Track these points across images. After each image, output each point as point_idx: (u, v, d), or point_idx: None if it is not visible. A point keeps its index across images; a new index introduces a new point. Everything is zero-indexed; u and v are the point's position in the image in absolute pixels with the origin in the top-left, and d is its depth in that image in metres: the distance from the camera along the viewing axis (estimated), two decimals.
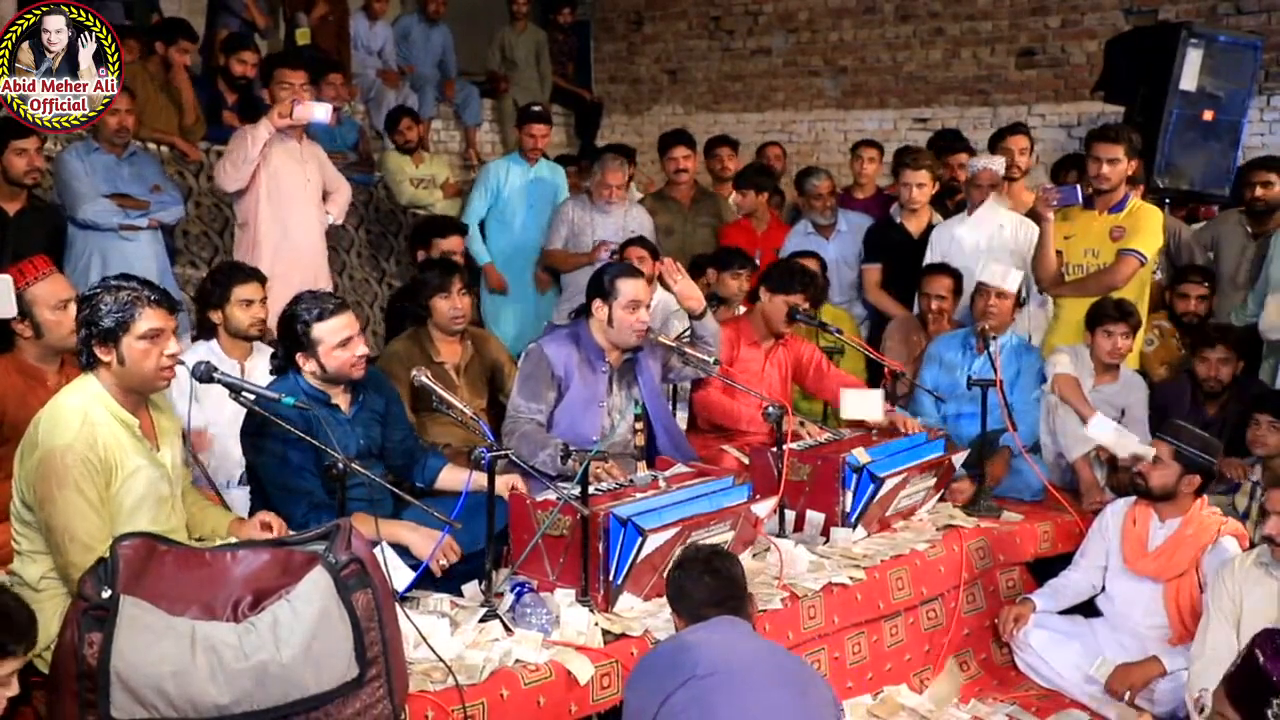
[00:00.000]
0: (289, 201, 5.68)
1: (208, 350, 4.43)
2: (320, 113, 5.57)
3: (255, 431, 3.55)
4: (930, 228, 6.20)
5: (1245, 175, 6.02)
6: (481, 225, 6.98)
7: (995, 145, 6.51)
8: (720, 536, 3.77)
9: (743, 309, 5.56)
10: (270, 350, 4.64)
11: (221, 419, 4.23)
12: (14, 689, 2.43)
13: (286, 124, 5.50)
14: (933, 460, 4.56)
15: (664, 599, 3.57)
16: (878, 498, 4.30)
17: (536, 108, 7.25)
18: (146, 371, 3.06)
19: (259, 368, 4.47)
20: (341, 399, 3.72)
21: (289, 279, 4.70)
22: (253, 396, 3.35)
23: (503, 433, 4.28)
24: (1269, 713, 2.66)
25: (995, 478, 4.94)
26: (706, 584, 2.95)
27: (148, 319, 3.04)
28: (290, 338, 3.63)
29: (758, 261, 6.09)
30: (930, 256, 5.91)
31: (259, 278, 4.52)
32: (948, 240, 5.90)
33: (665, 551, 3.56)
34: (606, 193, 6.43)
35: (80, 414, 2.99)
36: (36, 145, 5.10)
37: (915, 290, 5.85)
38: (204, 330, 4.51)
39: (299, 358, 3.63)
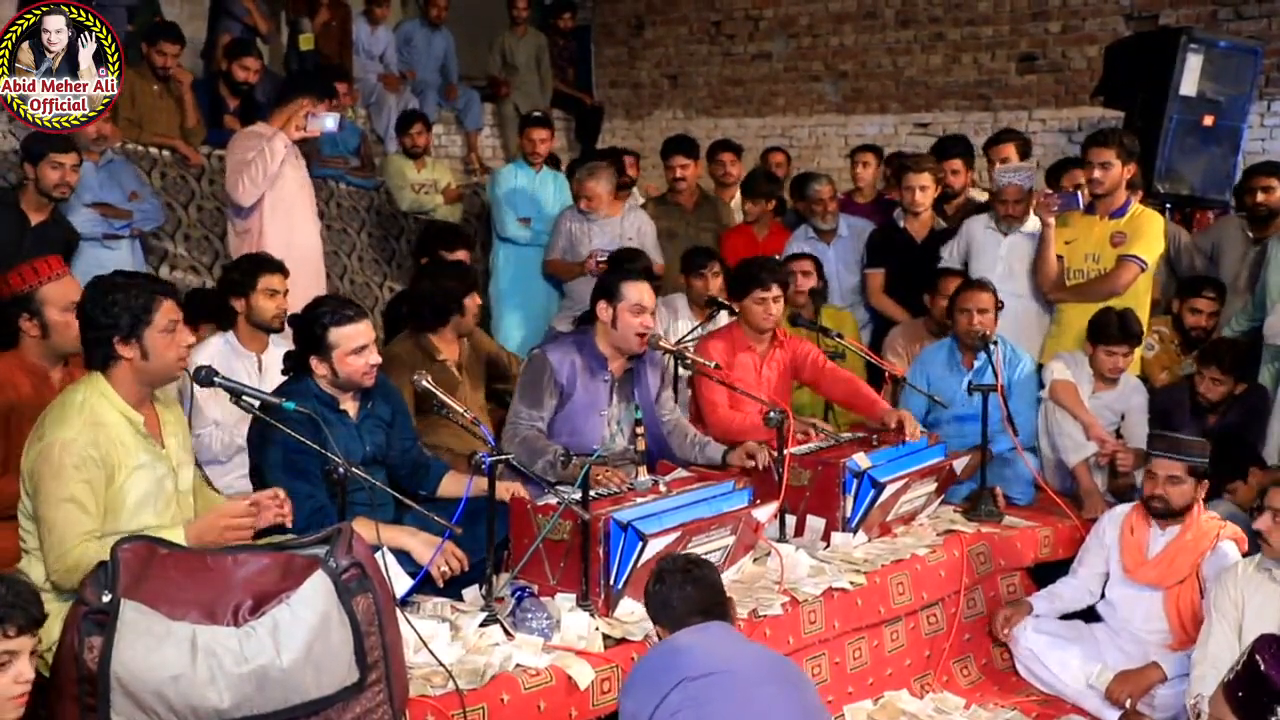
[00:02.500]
0: (291, 208, 5.72)
1: (223, 342, 4.45)
2: (330, 123, 5.71)
3: (260, 433, 3.56)
4: (933, 231, 6.21)
5: (1246, 180, 6.01)
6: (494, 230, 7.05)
7: (986, 152, 6.53)
8: (721, 542, 3.77)
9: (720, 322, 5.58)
10: (287, 344, 4.68)
11: (231, 414, 4.27)
12: (27, 673, 2.41)
13: (300, 137, 5.56)
14: (933, 466, 4.56)
15: None
16: (878, 503, 4.30)
17: (537, 113, 7.23)
18: (170, 362, 3.12)
19: (275, 361, 4.49)
20: (350, 405, 3.73)
21: (294, 283, 4.72)
22: (254, 401, 3.35)
23: (503, 438, 4.28)
24: (1271, 719, 2.66)
25: (969, 468, 4.94)
26: (689, 593, 2.96)
27: (166, 311, 3.10)
28: (306, 339, 3.65)
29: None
30: (956, 244, 5.88)
31: (283, 269, 4.58)
32: (974, 238, 5.85)
33: (665, 556, 3.55)
34: (585, 204, 6.44)
35: (85, 410, 3.01)
36: (74, 162, 5.15)
37: (918, 294, 5.85)
38: (220, 322, 4.53)
39: (312, 360, 3.64)
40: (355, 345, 3.61)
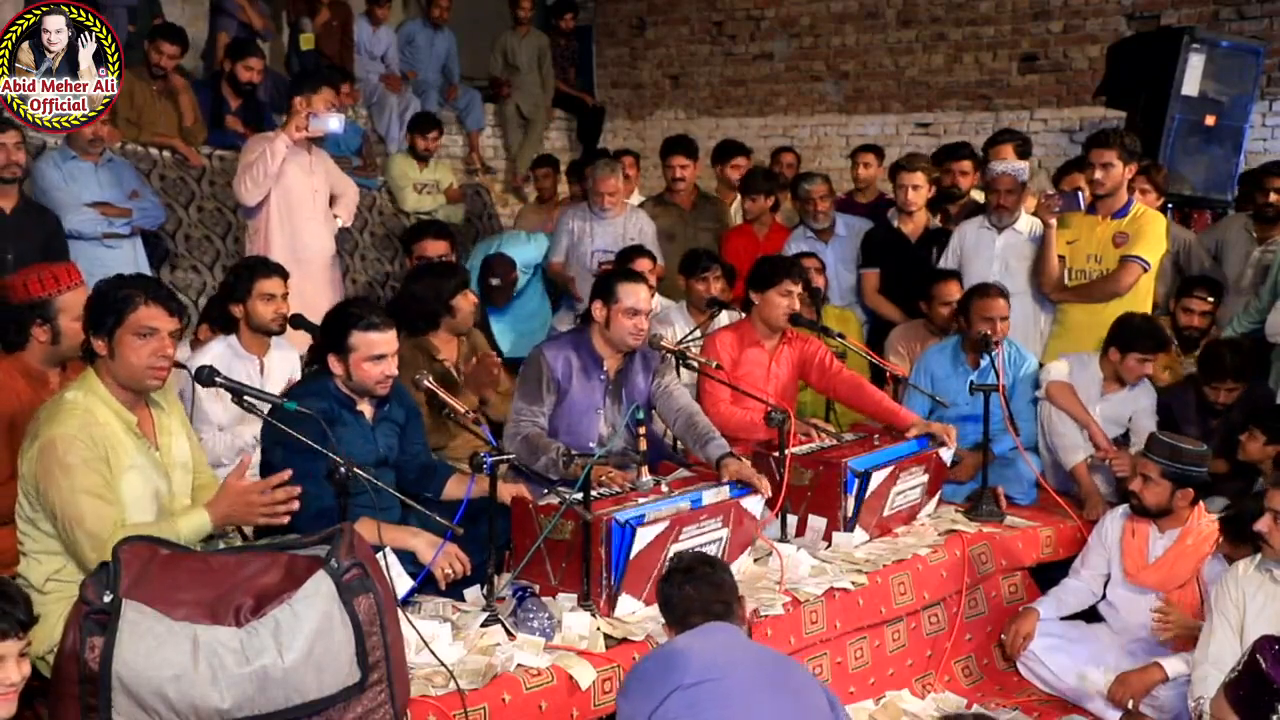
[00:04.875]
0: (298, 213, 5.75)
1: (226, 346, 4.45)
2: (334, 123, 5.70)
3: (267, 434, 3.56)
4: (927, 231, 6.20)
5: (1258, 180, 5.97)
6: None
7: (985, 153, 6.54)
8: (714, 534, 3.77)
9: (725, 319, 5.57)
10: (290, 347, 4.68)
11: (234, 418, 4.29)
12: (12, 676, 2.41)
13: (303, 137, 5.56)
14: (918, 456, 4.55)
15: None
16: (867, 495, 4.29)
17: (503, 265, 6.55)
18: (135, 367, 3.07)
19: (278, 364, 4.50)
20: (366, 406, 3.73)
21: (300, 290, 4.72)
22: (255, 400, 3.35)
23: (504, 435, 4.28)
24: (1273, 718, 2.67)
25: (970, 469, 4.96)
26: (688, 593, 2.96)
27: (143, 315, 3.06)
28: (330, 336, 3.64)
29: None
30: (950, 249, 5.88)
31: (281, 273, 4.56)
32: (967, 239, 5.86)
33: (658, 548, 3.57)
34: (600, 200, 6.44)
35: (80, 407, 3.02)
36: (16, 140, 5.09)
37: (913, 294, 5.84)
38: (224, 325, 4.53)
39: (331, 359, 3.63)
40: (374, 352, 3.60)
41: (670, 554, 3.59)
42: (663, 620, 3.09)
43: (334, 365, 3.63)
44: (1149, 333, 5.03)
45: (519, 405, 4.31)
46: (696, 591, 2.95)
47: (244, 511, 3.13)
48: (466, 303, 4.81)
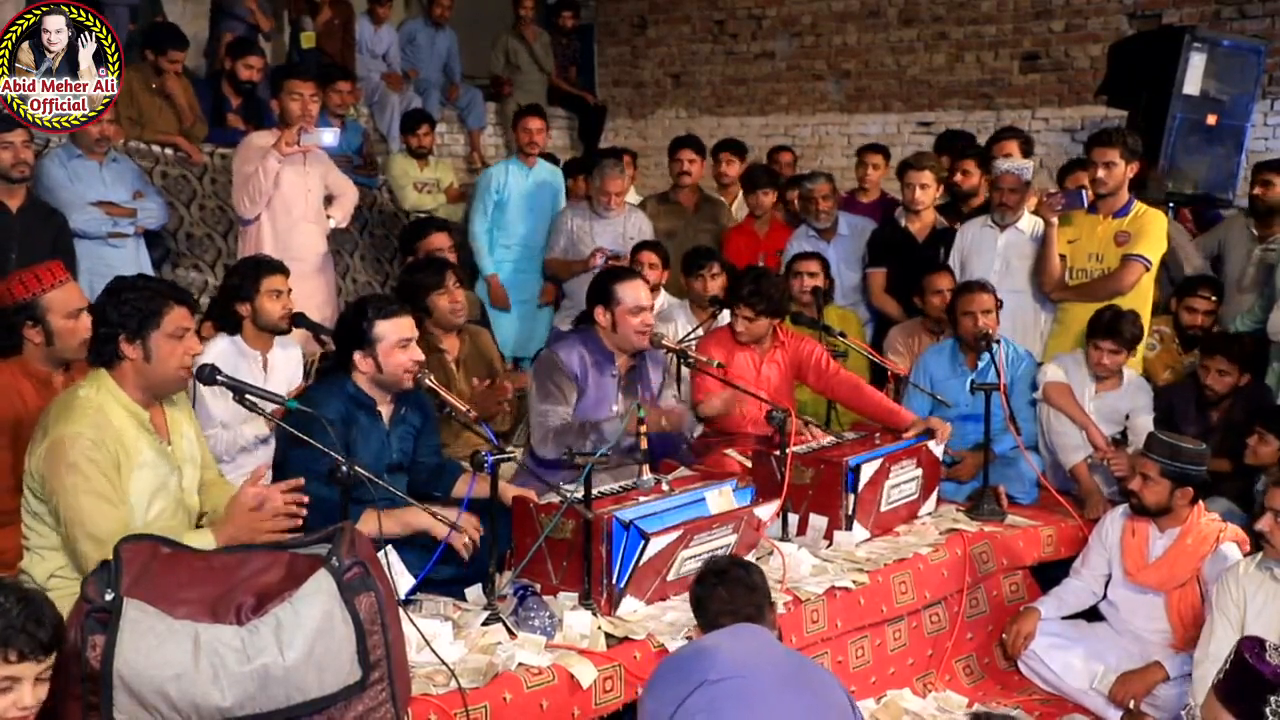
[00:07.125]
0: (290, 216, 5.77)
1: (230, 344, 4.45)
2: (327, 137, 5.79)
3: (280, 433, 3.56)
4: (934, 230, 6.19)
5: (1255, 175, 5.96)
6: None
7: (987, 151, 6.54)
8: (723, 540, 3.77)
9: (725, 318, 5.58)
10: (293, 345, 4.67)
11: (236, 415, 4.28)
12: (26, 699, 2.39)
13: (294, 152, 5.60)
14: (909, 449, 4.55)
15: (667, 603, 3.60)
16: (860, 489, 4.28)
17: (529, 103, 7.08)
18: (170, 369, 3.12)
19: (281, 361, 4.49)
20: (385, 408, 3.72)
21: (293, 289, 4.71)
22: (257, 399, 3.34)
23: (533, 442, 4.27)
24: (1267, 711, 2.68)
25: (971, 468, 4.96)
26: (720, 595, 2.94)
27: (176, 317, 3.11)
28: (351, 334, 3.64)
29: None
30: (954, 249, 5.88)
31: (284, 270, 4.57)
32: (970, 239, 5.86)
33: (667, 555, 3.56)
34: (606, 199, 6.44)
35: (92, 404, 3.03)
36: (24, 139, 5.08)
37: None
38: (227, 324, 4.53)
39: (357, 356, 3.62)
40: (400, 338, 3.62)
41: (679, 559, 3.59)
42: (695, 622, 3.06)
43: (360, 363, 3.62)
44: (1107, 322, 5.04)
45: (541, 409, 4.29)
46: (729, 594, 2.92)
47: (249, 534, 3.12)
48: (444, 301, 4.76)
